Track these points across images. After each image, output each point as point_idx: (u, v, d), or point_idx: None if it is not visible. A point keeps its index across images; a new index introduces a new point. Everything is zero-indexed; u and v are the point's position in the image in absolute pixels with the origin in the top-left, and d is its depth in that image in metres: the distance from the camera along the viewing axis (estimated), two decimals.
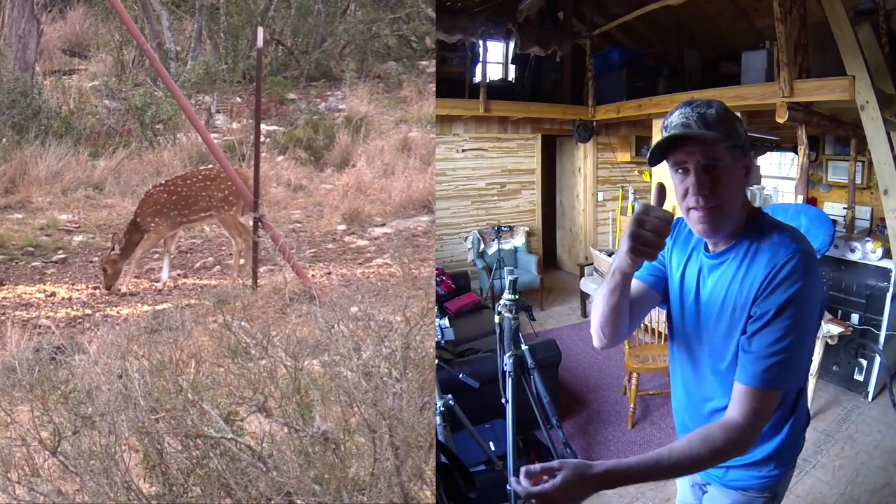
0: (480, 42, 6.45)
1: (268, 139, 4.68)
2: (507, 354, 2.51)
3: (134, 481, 1.85)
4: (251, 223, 3.37)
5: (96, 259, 3.68)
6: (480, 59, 6.78)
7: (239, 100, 5.15)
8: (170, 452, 1.88)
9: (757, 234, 1.33)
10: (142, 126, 4.63)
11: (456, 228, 6.98)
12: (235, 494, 1.86)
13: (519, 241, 7.03)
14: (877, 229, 6.35)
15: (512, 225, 7.01)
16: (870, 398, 4.12)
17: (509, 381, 2.47)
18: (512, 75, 7.87)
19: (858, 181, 6.34)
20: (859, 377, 4.19)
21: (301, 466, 1.86)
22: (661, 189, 1.26)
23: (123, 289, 3.52)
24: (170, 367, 1.92)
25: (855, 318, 4.21)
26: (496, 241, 6.47)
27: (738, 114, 5.23)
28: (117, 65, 5.20)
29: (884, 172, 4.20)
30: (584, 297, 6.34)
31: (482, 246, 6.74)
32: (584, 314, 6.37)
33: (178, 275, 3.69)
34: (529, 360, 2.95)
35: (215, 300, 3.08)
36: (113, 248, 3.47)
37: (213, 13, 5.43)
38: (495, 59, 7.76)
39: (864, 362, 4.15)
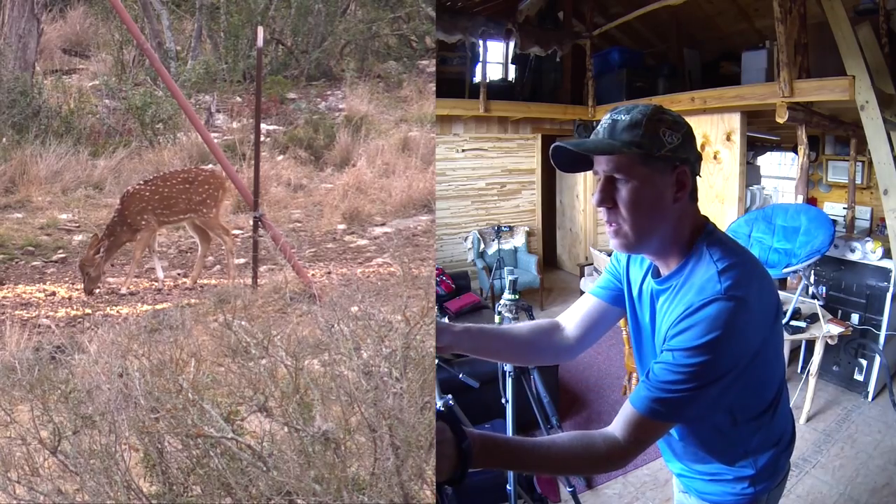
0: (480, 42, 6.46)
1: (268, 139, 4.67)
2: None
3: (134, 480, 1.84)
4: (251, 222, 3.37)
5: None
6: (480, 59, 6.79)
7: (239, 99, 5.15)
8: (170, 452, 1.86)
9: (695, 262, 1.21)
10: (142, 125, 4.62)
11: (456, 228, 6.99)
12: (236, 494, 1.86)
13: (519, 241, 7.04)
14: (877, 229, 6.36)
15: (512, 225, 7.03)
16: (870, 398, 4.12)
17: (509, 381, 2.46)
18: (512, 75, 7.88)
19: (858, 181, 6.34)
20: (859, 377, 4.19)
21: (301, 466, 1.85)
22: None
23: (124, 290, 3.52)
24: (170, 367, 1.91)
25: (855, 318, 4.21)
26: (496, 241, 6.48)
27: (739, 114, 5.26)
28: (117, 64, 5.19)
29: (884, 172, 4.20)
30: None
31: (482, 246, 6.74)
32: None
33: (178, 274, 3.69)
34: None
35: (215, 299, 3.08)
36: (98, 251, 3.41)
37: (214, 13, 5.43)
38: (495, 59, 7.76)
39: (864, 362, 4.15)
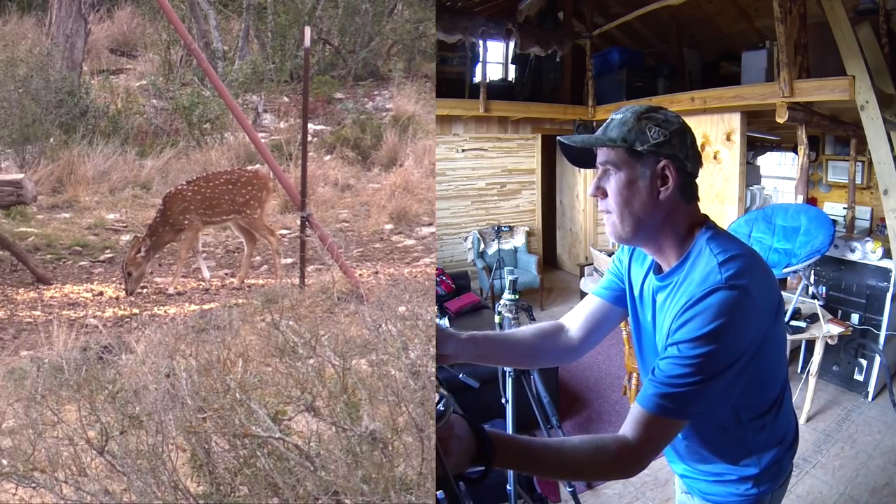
0: (480, 42, 6.12)
1: (315, 138, 4.40)
2: None
3: (181, 481, 1.70)
4: (299, 222, 3.12)
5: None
6: (480, 59, 6.43)
7: (286, 99, 4.87)
8: (217, 452, 1.72)
9: (695, 257, 1.14)
10: (189, 125, 4.37)
11: (456, 228, 6.67)
12: (283, 494, 1.71)
13: (519, 241, 6.72)
14: (877, 229, 6.04)
15: (512, 225, 6.72)
16: (870, 398, 3.87)
17: (509, 381, 2.27)
18: (512, 75, 7.53)
19: (858, 181, 6.01)
20: (859, 377, 3.95)
21: (349, 466, 1.71)
22: None
23: (171, 290, 3.28)
24: (217, 367, 1.77)
25: (855, 318, 3.96)
26: (496, 241, 6.18)
27: (739, 114, 4.99)
28: (165, 64, 4.93)
29: (884, 172, 3.95)
30: (585, 297, 6.06)
31: (482, 246, 6.44)
32: None
33: (226, 274, 3.45)
34: None
35: (263, 299, 2.88)
36: (139, 251, 3.15)
37: (261, 13, 5.14)
38: (495, 59, 7.38)
39: (864, 362, 3.91)
